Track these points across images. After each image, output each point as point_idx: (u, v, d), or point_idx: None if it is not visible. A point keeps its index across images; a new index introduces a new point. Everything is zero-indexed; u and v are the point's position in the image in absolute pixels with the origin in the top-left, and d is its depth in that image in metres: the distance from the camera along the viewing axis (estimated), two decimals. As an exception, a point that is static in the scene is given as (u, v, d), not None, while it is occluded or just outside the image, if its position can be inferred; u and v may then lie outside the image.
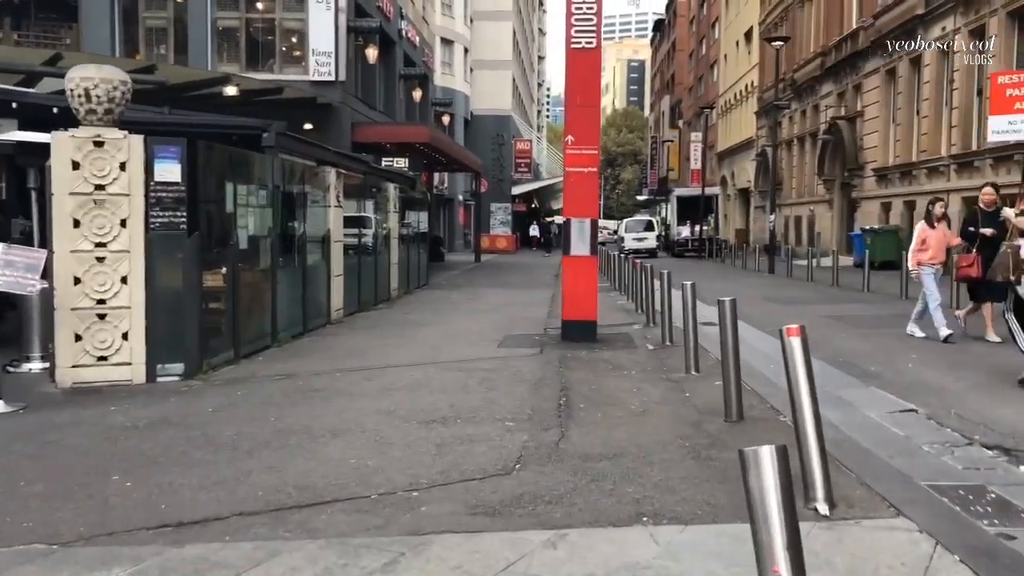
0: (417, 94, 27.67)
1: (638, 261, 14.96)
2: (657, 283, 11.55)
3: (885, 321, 12.69)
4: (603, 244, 55.51)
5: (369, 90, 24.38)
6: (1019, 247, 7.77)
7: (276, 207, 10.44)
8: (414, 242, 19.74)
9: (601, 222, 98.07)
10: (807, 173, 35.22)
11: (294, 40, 21.40)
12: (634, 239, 38.93)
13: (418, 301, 16.48)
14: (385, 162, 21.73)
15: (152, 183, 7.91)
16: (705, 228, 39.78)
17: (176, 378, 8.01)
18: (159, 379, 7.95)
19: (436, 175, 39.72)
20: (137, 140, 7.77)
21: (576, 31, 10.24)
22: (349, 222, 14.14)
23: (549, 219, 60.16)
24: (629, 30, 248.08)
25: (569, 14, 10.26)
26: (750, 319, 12.07)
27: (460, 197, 47.31)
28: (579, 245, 10.31)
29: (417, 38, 30.21)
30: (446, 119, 34.72)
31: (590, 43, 10.26)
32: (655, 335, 10.76)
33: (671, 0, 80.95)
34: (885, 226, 24.86)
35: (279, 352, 9.73)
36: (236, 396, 7.25)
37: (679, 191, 44.59)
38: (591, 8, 10.23)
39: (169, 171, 8.00)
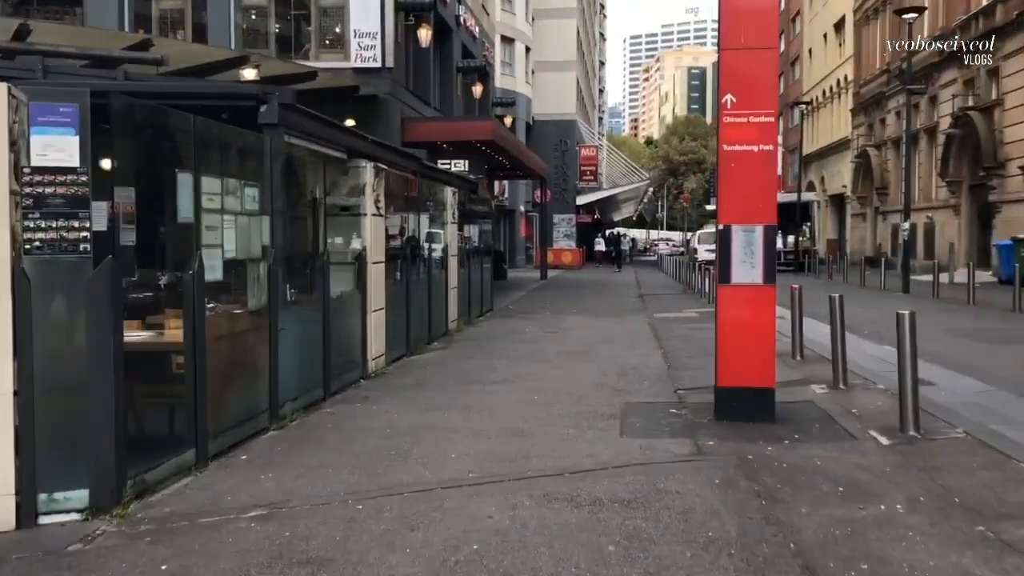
0: (477, 89, 24.22)
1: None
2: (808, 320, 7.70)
3: None
4: (670, 255, 51.61)
5: (422, 82, 20.97)
6: None
7: (278, 215, 6.91)
8: (476, 259, 16.17)
9: (665, 233, 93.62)
10: (922, 175, 30.73)
11: (332, 20, 18.07)
12: (707, 250, 38.03)
13: (484, 336, 12.84)
14: (441, 165, 18.21)
15: (25, 170, 4.44)
16: (801, 239, 35.39)
17: (75, 517, 4.51)
18: (43, 521, 4.45)
19: (497, 184, 36.23)
20: (-8, 90, 4.31)
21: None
22: (394, 236, 10.63)
23: (618, 232, 56.38)
24: (688, 37, 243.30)
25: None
26: (982, 371, 8.17)
27: (522, 208, 43.71)
28: (745, 268, 6.53)
29: (476, 28, 26.76)
30: (508, 121, 31.26)
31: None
32: (859, 403, 6.93)
33: (741, -2, 76.42)
34: (1044, 234, 20.43)
35: (277, 443, 6.16)
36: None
37: (767, 198, 40.31)
38: None
39: (58, 147, 4.50)
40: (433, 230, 12.81)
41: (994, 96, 24.95)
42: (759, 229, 6.52)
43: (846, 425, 6.27)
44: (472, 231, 16.09)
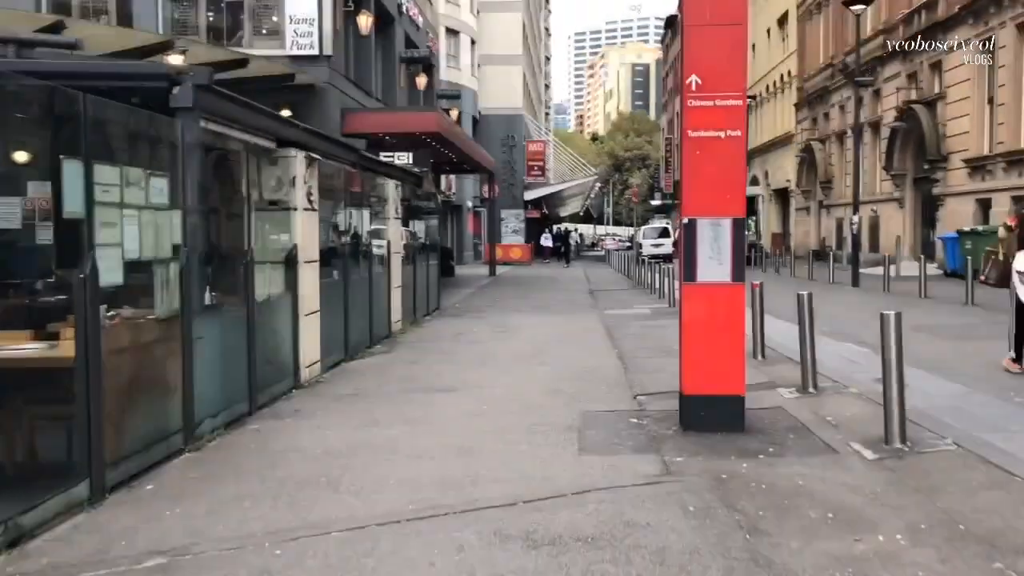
0: (422, 81, 23.38)
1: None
2: (770, 318, 7.21)
3: None
4: (616, 251, 51.37)
5: (364, 72, 20.11)
6: None
7: (193, 210, 6.13)
8: (422, 256, 15.46)
9: (611, 229, 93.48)
10: (867, 169, 30.82)
11: (267, 6, 17.12)
12: (651, 245, 41.29)
13: (430, 338, 12.14)
14: (384, 158, 17.40)
15: None
16: (747, 233, 35.31)
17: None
18: None
19: (444, 179, 35.47)
20: None
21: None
22: (330, 233, 9.89)
23: (565, 227, 55.98)
24: (631, 34, 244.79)
25: None
26: (953, 370, 7.77)
27: (469, 203, 42.98)
28: (712, 265, 5.97)
29: (420, 18, 25.94)
30: (454, 114, 30.47)
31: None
32: (833, 410, 6.43)
33: (685, -6, 76.65)
34: (988, 227, 20.44)
35: (191, 468, 5.40)
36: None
37: (714, 192, 40.11)
38: None
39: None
40: (375, 226, 12.07)
41: (937, 90, 25.05)
42: (727, 223, 5.97)
43: (824, 436, 5.75)
44: (417, 227, 15.38)
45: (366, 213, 11.49)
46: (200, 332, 6.09)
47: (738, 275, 5.98)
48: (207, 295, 6.62)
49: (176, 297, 5.84)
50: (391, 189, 12.49)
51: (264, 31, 17.35)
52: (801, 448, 5.46)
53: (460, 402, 7.35)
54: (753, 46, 48.44)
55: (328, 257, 9.56)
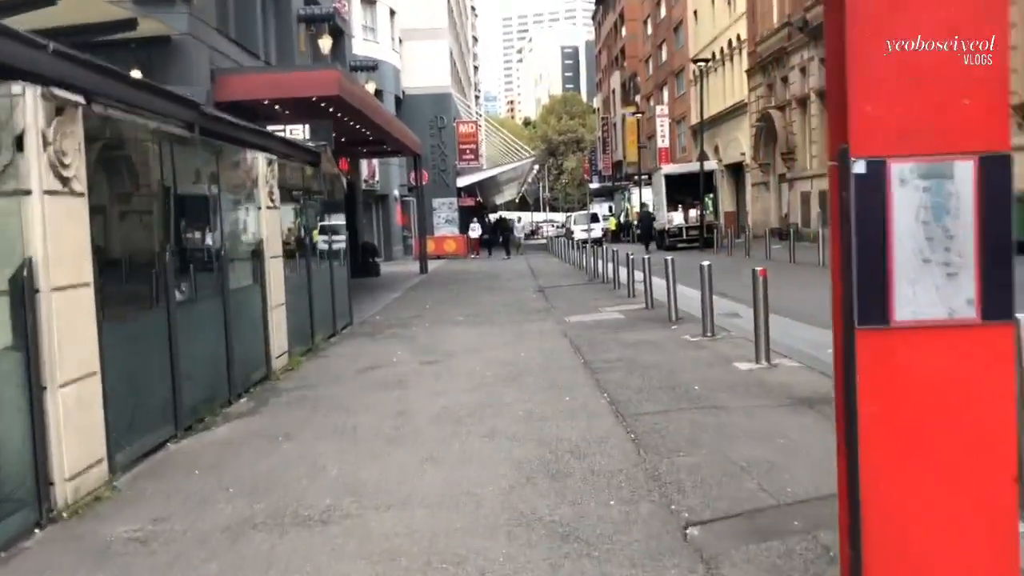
0: (326, 43, 19.32)
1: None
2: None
3: None
4: (556, 237, 48.23)
5: (247, 30, 16.04)
6: None
7: None
8: (323, 258, 11.64)
9: (548, 215, 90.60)
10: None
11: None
12: (581, 230, 42.44)
13: (326, 379, 8.33)
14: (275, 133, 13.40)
15: None
16: (704, 212, 32.07)
17: None
18: None
19: (365, 165, 31.42)
20: None
21: None
22: (133, 232, 6.07)
23: (500, 215, 52.42)
24: (558, 17, 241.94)
25: None
26: None
27: (396, 192, 38.92)
28: (928, 279, 2.34)
29: (323, -29, 21.83)
30: (370, 88, 26.48)
31: None
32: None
33: (616, -34, 73.52)
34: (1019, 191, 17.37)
35: None
36: None
37: (668, 168, 36.83)
38: None
39: None
40: (236, 217, 8.23)
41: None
42: (966, 169, 2.35)
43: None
44: (310, 218, 11.50)
45: (220, 200, 7.61)
46: None
47: (995, 303, 2.37)
48: None
49: None
50: (261, 167, 8.60)
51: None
52: None
53: (340, 554, 3.64)
54: (695, 13, 45.44)
55: (129, 273, 5.73)
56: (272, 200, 8.86)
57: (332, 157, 12.35)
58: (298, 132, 13.94)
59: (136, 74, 8.42)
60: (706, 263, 9.38)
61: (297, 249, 10.48)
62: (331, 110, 14.42)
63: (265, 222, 8.61)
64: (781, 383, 6.62)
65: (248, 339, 7.97)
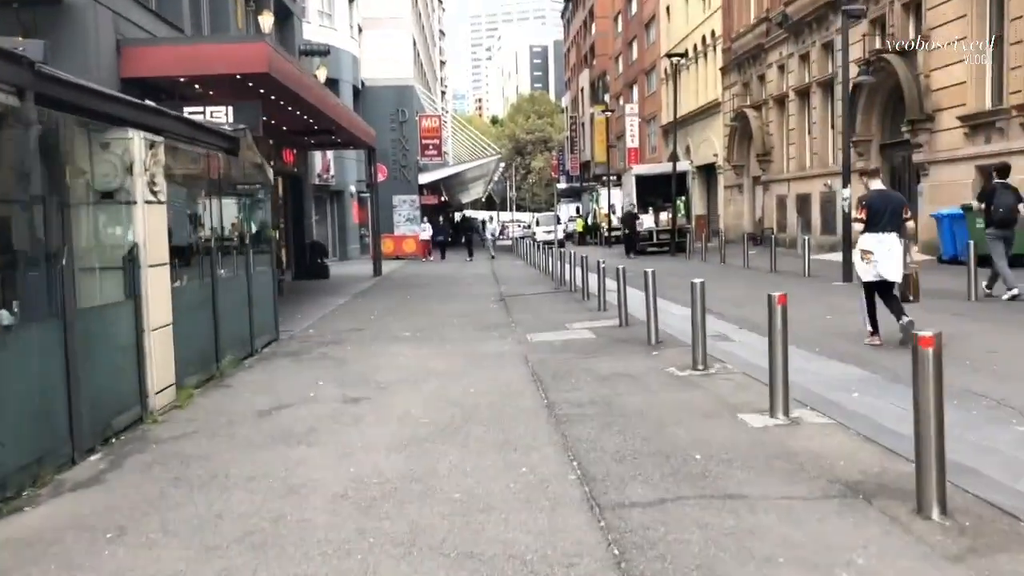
0: (267, 20, 17.31)
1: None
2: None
3: None
4: (522, 239, 46.49)
5: (169, -1, 14.03)
6: None
7: None
8: (238, 265, 9.76)
9: (515, 215, 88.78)
10: (817, 136, 26.45)
11: None
12: (544, 231, 46.57)
13: (215, 427, 6.41)
14: (192, 114, 11.38)
15: None
16: (674, 216, 30.38)
17: None
18: None
19: (319, 158, 29.39)
20: None
21: None
22: None
23: (464, 214, 50.62)
24: (527, 16, 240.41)
25: None
26: None
27: (352, 188, 36.85)
28: None
29: (266, -57, 19.76)
30: (322, 74, 24.50)
31: None
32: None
33: (586, -38, 71.96)
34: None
35: None
36: None
37: (639, 169, 35.14)
38: None
39: None
40: (95, 215, 6.31)
41: (912, 34, 20.63)
42: None
43: None
44: (224, 215, 9.57)
45: (62, 192, 5.69)
46: None
47: None
48: None
49: None
50: (137, 150, 6.67)
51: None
52: None
53: None
54: (668, 9, 44.00)
55: None
56: (154, 193, 6.94)
57: (254, 143, 10.43)
58: (220, 115, 11.98)
59: (19, 43, 6.46)
60: (698, 281, 7.62)
61: (200, 253, 8.59)
62: (261, 91, 12.49)
63: (142, 221, 6.69)
64: (814, 453, 4.89)
65: (110, 373, 6.07)
